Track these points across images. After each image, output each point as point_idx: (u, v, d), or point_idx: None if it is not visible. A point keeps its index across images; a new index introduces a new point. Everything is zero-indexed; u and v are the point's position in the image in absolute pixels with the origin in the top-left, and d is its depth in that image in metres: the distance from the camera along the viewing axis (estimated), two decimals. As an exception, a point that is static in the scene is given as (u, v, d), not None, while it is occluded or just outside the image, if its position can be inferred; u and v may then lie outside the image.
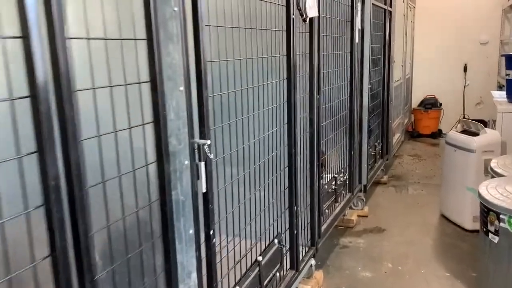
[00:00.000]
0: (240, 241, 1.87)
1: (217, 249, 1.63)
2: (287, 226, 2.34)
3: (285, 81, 2.22)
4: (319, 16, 2.59)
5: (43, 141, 0.90)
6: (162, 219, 1.30)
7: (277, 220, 2.27)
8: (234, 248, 1.82)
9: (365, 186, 4.17)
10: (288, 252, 2.37)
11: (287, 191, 2.33)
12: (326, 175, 3.10)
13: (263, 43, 2.18)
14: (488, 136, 3.70)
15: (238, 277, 1.84)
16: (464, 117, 7.74)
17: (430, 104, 7.69)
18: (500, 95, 4.77)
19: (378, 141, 4.84)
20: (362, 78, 3.86)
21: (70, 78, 0.95)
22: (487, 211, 2.29)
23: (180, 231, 1.33)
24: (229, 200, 1.82)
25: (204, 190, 1.42)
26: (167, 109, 1.27)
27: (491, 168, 2.86)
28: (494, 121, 4.34)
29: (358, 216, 4.19)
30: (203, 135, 1.41)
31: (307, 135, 2.63)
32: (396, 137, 6.17)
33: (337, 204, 3.31)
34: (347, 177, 3.58)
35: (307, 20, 2.32)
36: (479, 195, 2.40)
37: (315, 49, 2.58)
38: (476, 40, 7.53)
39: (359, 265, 3.30)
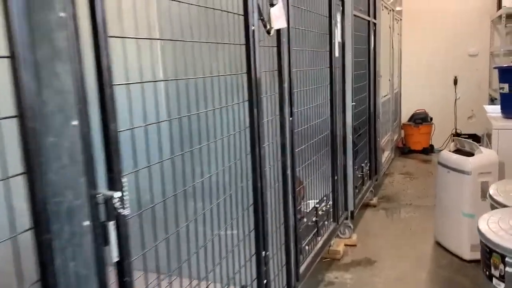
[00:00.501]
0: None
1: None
2: (255, 275, 1.96)
3: (247, 103, 1.87)
4: (288, 28, 2.26)
5: None
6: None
7: (242, 268, 1.90)
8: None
9: (352, 213, 3.81)
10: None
11: (254, 233, 1.96)
12: (304, 207, 2.74)
13: (221, 59, 1.84)
14: (484, 156, 3.37)
15: None
16: (456, 132, 7.45)
17: (421, 119, 7.39)
18: (493, 110, 4.46)
19: (366, 161, 4.49)
20: (344, 95, 3.53)
21: None
22: (489, 252, 1.94)
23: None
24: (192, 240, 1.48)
25: (116, 259, 1.05)
26: (51, 152, 0.91)
27: (491, 196, 2.52)
28: (488, 136, 4.03)
29: (346, 245, 3.82)
30: (112, 185, 1.04)
31: (278, 163, 2.28)
32: (386, 155, 5.84)
33: (320, 238, 2.94)
34: (331, 205, 3.22)
35: (272, 32, 1.98)
36: (479, 231, 2.05)
37: (285, 65, 2.24)
38: (465, 52, 7.28)
39: (346, 307, 2.92)
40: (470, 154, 3.48)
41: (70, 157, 0.96)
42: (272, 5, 1.97)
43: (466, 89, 7.35)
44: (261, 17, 1.93)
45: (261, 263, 1.94)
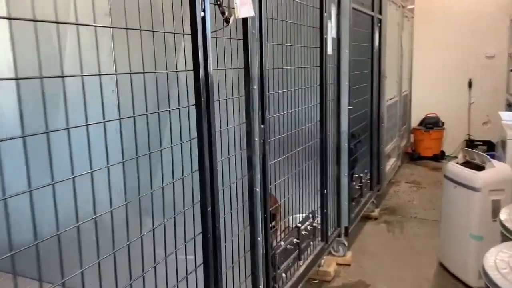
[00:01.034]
0: None
1: None
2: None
3: (195, 107, 1.50)
4: (260, 18, 1.89)
5: None
6: None
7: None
8: None
9: (346, 229, 3.42)
10: None
11: (203, 268, 1.60)
12: (282, 227, 2.38)
13: (161, 52, 1.48)
14: (497, 171, 2.95)
15: None
16: (469, 138, 6.98)
17: (432, 124, 6.95)
18: (509, 117, 4.03)
19: (366, 170, 4.09)
20: (339, 98, 3.15)
21: None
22: (496, 300, 1.54)
23: None
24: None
25: None
26: None
27: (502, 223, 2.11)
28: (503, 144, 3.61)
29: (338, 265, 3.44)
30: None
31: (244, 180, 1.91)
32: (391, 163, 5.43)
33: (301, 262, 2.56)
34: (319, 222, 2.84)
35: (231, 20, 1.61)
36: (484, 273, 1.65)
37: (255, 62, 1.87)
38: (481, 54, 6.79)
39: None
40: (480, 167, 3.07)
41: None
42: (234, -12, 1.61)
43: (481, 92, 6.87)
44: (218, 2, 1.56)
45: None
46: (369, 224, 4.38)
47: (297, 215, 2.94)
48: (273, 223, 2.44)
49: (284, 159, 2.47)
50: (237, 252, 1.86)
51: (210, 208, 1.54)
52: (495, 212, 2.86)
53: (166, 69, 1.50)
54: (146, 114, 1.45)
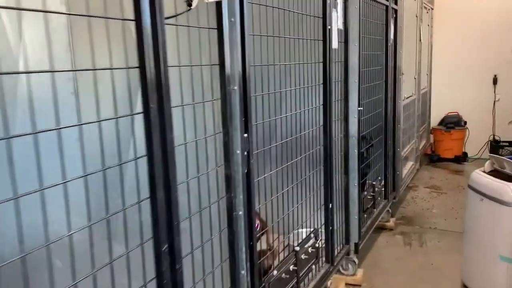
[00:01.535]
0: None
1: None
2: None
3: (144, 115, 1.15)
4: (242, 2, 1.53)
5: None
6: None
7: None
8: None
9: (356, 245, 3.03)
10: None
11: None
12: (273, 255, 2.02)
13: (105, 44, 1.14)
14: (532, 182, 2.54)
15: None
16: (494, 138, 6.49)
17: (453, 123, 6.49)
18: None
19: (379, 177, 3.70)
20: (347, 98, 2.76)
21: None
22: None
23: None
24: None
25: None
26: None
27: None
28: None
29: (348, 285, 3.07)
30: None
31: (223, 202, 1.56)
32: (409, 166, 5.00)
33: (300, 290, 2.20)
34: (322, 243, 2.47)
35: (194, 3, 1.25)
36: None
37: (235, 57, 1.51)
38: (507, 48, 6.28)
39: None
40: (511, 178, 2.65)
41: None
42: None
43: (507, 89, 6.37)
44: (175, -21, 1.21)
45: None
46: (383, 235, 3.98)
47: (301, 230, 2.58)
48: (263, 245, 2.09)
49: (280, 171, 2.11)
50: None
51: (166, 246, 1.19)
52: (530, 231, 2.45)
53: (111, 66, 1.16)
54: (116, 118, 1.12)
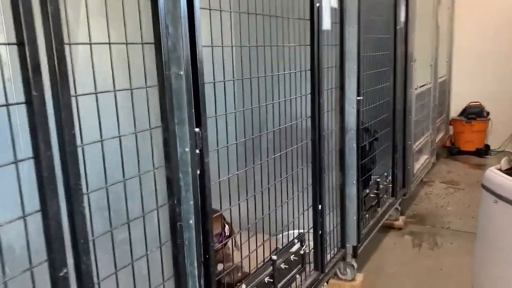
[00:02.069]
0: None
1: None
2: None
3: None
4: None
5: None
6: None
7: None
8: None
9: (355, 249, 2.75)
10: None
11: None
12: (243, 268, 1.77)
13: None
14: (554, 183, 2.20)
15: None
16: (519, 130, 6.05)
17: (474, 114, 6.07)
18: None
19: (385, 173, 3.39)
20: (343, 86, 2.46)
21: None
22: None
23: None
24: None
25: None
26: None
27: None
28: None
29: (345, 292, 2.80)
30: None
31: (170, 212, 1.31)
32: (423, 160, 4.65)
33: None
34: (308, 248, 2.21)
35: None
36: None
37: (178, 34, 1.25)
38: (536, 32, 5.81)
39: None
40: (531, 177, 2.32)
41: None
42: None
43: (534, 77, 5.91)
44: None
45: None
46: (390, 235, 3.68)
47: (286, 233, 2.33)
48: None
49: (266, 166, 1.86)
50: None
51: (65, 271, 0.95)
52: (551, 239, 2.13)
53: None
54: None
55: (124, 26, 1.10)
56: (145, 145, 1.24)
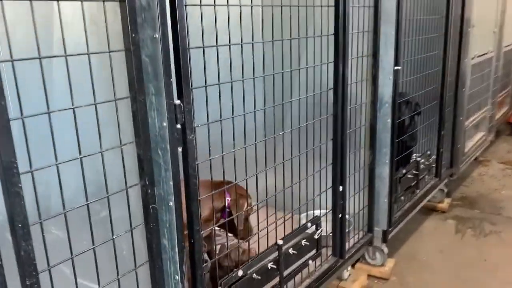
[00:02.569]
0: None
1: None
2: None
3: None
4: None
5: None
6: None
7: None
8: None
9: (385, 233, 2.53)
10: None
11: None
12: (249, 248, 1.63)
13: None
14: None
15: None
16: None
17: (544, 87, 5.43)
18: None
19: (428, 151, 3.08)
20: (376, 54, 2.19)
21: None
22: None
23: None
24: None
25: None
26: None
27: None
28: None
29: (370, 277, 2.60)
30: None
31: (142, 193, 1.18)
32: (478, 137, 4.23)
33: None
34: (326, 232, 2.03)
35: None
36: None
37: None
38: None
39: None
40: None
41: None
42: None
43: None
44: None
45: None
46: (431, 219, 3.39)
47: (303, 214, 2.17)
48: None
49: (289, 141, 1.69)
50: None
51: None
52: None
53: None
54: None
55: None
56: (114, 119, 1.10)
